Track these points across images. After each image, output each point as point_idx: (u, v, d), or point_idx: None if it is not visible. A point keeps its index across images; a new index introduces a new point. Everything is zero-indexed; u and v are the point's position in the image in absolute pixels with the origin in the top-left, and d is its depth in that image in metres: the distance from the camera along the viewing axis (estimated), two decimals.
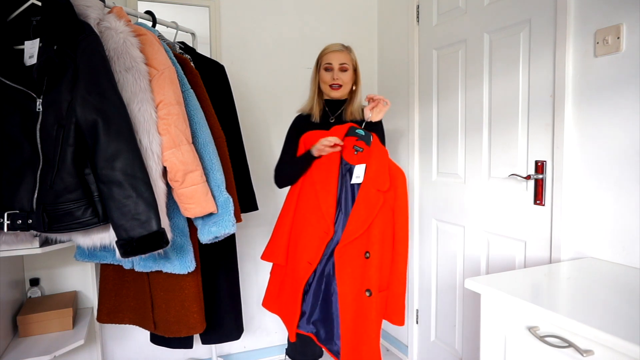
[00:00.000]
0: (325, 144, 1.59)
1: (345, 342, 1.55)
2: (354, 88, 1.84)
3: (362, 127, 1.65)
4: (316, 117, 1.82)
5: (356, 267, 1.54)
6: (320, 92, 1.84)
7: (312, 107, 1.83)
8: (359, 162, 1.61)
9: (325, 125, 1.82)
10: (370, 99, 1.69)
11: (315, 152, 1.65)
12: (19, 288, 1.80)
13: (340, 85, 1.78)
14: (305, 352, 1.91)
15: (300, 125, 1.86)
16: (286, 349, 1.98)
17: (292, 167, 1.74)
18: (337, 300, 1.57)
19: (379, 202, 1.53)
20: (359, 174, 1.59)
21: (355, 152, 1.63)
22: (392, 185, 1.57)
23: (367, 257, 1.53)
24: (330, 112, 1.85)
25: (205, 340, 1.75)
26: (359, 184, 1.58)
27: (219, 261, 1.71)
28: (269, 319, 2.43)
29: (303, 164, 1.69)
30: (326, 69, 1.78)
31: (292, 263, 1.66)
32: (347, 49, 1.81)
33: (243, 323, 1.84)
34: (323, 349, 1.98)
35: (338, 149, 1.61)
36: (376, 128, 1.70)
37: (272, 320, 2.44)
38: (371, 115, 1.68)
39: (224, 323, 1.74)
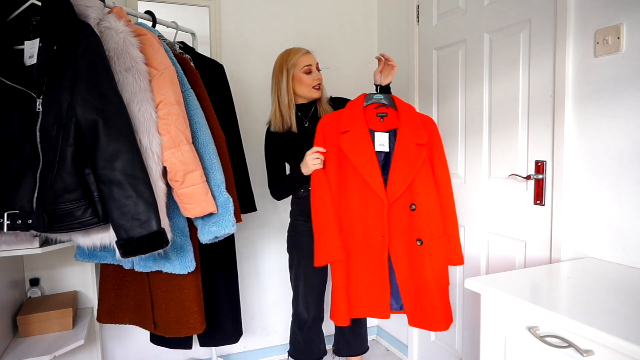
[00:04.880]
0: (313, 157, 1.57)
1: (405, 293, 1.56)
2: None
3: (378, 92, 1.63)
4: (294, 127, 1.75)
5: (403, 220, 1.54)
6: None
7: (289, 117, 1.74)
8: (388, 128, 1.59)
9: (300, 131, 1.77)
10: (379, 59, 1.67)
11: (306, 172, 1.62)
12: (19, 288, 1.80)
13: (320, 85, 1.79)
14: (311, 350, 1.89)
15: (276, 140, 1.78)
16: (289, 350, 1.97)
17: (288, 182, 1.73)
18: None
19: (421, 156, 1.51)
20: (382, 141, 1.57)
21: (381, 119, 1.59)
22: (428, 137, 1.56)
23: (413, 210, 1.53)
24: (302, 116, 1.82)
25: (203, 343, 1.75)
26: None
27: (218, 262, 1.71)
28: (268, 319, 2.43)
29: (299, 180, 1.69)
30: (307, 72, 1.75)
31: (362, 246, 1.57)
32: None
33: (242, 325, 1.84)
34: (325, 349, 1.97)
35: (322, 157, 1.58)
36: (389, 91, 1.68)
37: (271, 320, 2.43)
38: (382, 79, 1.67)
39: (223, 325, 1.74)
